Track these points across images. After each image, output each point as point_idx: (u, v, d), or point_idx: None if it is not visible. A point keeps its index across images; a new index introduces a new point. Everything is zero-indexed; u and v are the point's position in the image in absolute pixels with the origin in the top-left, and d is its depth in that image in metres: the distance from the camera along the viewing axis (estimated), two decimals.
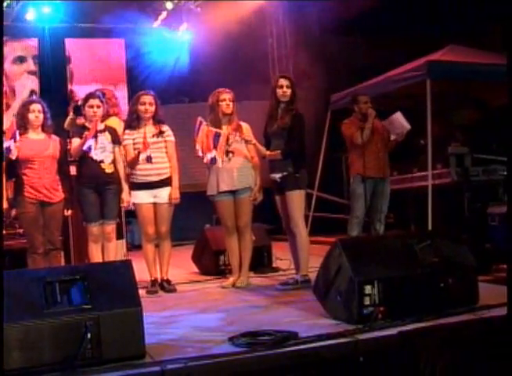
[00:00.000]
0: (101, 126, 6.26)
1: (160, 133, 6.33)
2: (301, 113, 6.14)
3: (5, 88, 10.03)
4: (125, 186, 6.32)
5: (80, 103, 6.63)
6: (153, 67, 11.92)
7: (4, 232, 7.68)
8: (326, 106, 10.58)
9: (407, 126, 7.17)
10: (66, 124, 6.89)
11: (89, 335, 3.52)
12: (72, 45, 12.00)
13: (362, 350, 3.77)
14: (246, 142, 6.21)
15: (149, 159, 6.18)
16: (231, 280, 6.40)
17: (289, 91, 6.14)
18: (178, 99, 12.28)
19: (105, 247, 6.30)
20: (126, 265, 3.94)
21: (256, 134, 6.35)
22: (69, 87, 11.72)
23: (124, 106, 7.76)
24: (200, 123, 6.28)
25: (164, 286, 6.36)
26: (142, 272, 6.26)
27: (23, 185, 5.96)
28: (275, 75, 11.96)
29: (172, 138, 6.40)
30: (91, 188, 6.20)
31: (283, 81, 6.18)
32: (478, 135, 8.94)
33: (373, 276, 4.20)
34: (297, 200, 6.07)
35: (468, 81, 8.80)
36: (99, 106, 6.24)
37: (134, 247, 9.80)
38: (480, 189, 8.13)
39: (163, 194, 6.31)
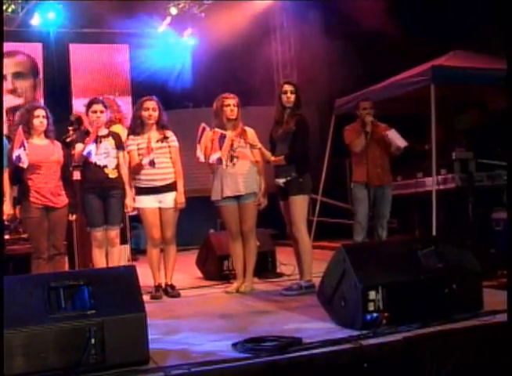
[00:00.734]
0: (104, 131, 6.28)
1: (164, 138, 6.34)
2: (305, 117, 6.15)
3: None
4: (129, 192, 6.33)
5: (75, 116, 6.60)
6: (157, 72, 11.95)
7: (8, 237, 7.70)
8: (331, 110, 10.58)
9: (402, 144, 7.13)
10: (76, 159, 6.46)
11: (93, 340, 3.52)
12: (76, 51, 12.04)
13: (367, 356, 3.76)
14: (252, 146, 6.22)
15: (151, 163, 6.17)
16: (235, 285, 6.40)
17: (293, 96, 6.15)
18: (183, 104, 12.30)
19: (109, 252, 6.30)
20: (130, 271, 3.94)
21: (260, 139, 6.36)
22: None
23: (128, 115, 7.73)
24: (203, 129, 6.29)
25: (168, 291, 6.35)
26: (146, 277, 6.27)
27: (29, 190, 5.96)
28: (279, 80, 12.03)
29: (176, 143, 6.41)
30: (95, 193, 6.20)
31: (287, 87, 6.20)
32: (483, 141, 8.92)
33: (377, 281, 4.19)
34: (300, 205, 6.07)
35: (472, 86, 8.78)
36: (102, 111, 6.25)
37: (139, 252, 9.79)
38: (484, 195, 8.12)
39: (168, 199, 6.32)
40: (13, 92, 11.40)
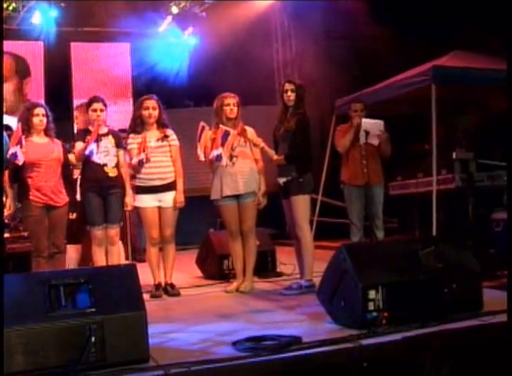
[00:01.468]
0: (104, 130, 6.28)
1: (165, 137, 6.35)
2: (306, 116, 6.15)
3: None
4: (129, 190, 6.33)
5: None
6: (158, 71, 11.95)
7: (8, 235, 7.70)
8: (331, 110, 10.58)
9: (378, 122, 7.13)
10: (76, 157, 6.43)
11: (93, 339, 3.52)
12: (77, 49, 12.03)
13: (366, 355, 3.76)
14: (255, 145, 6.22)
15: (140, 163, 6.17)
16: (235, 284, 6.40)
17: (293, 95, 6.15)
18: (183, 103, 12.30)
19: (109, 250, 6.31)
20: (130, 269, 3.95)
21: (261, 138, 6.34)
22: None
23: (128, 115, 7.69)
24: (203, 128, 6.29)
25: (167, 290, 6.36)
26: (146, 275, 6.28)
27: (29, 188, 5.96)
28: (280, 80, 12.04)
29: (177, 142, 6.41)
30: (95, 192, 6.20)
31: (288, 86, 6.20)
32: (483, 141, 8.92)
33: (378, 281, 4.19)
34: (301, 204, 6.07)
35: (473, 87, 8.77)
36: (102, 110, 6.25)
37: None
38: (484, 195, 8.11)
39: (167, 198, 6.32)
40: None
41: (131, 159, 6.35)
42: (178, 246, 6.59)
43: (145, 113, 6.34)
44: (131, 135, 6.38)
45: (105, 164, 6.22)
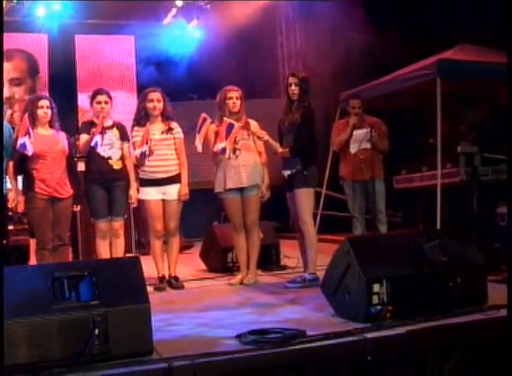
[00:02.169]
0: (109, 122, 6.27)
1: (169, 130, 6.34)
2: (311, 109, 6.13)
3: None
4: (133, 183, 6.33)
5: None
6: (162, 64, 11.93)
7: (12, 227, 7.71)
8: (336, 103, 10.55)
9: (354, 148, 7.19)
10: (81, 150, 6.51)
11: (97, 331, 3.51)
12: (81, 42, 12.02)
13: (370, 349, 3.76)
14: (259, 138, 6.20)
15: (143, 155, 6.16)
16: (239, 277, 6.40)
17: (297, 89, 6.13)
18: (187, 96, 12.29)
19: (113, 243, 6.31)
20: (134, 262, 3.94)
21: (266, 131, 6.32)
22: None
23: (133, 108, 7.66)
24: (204, 119, 6.28)
25: (171, 283, 6.36)
26: (150, 268, 6.28)
27: (34, 180, 5.96)
28: (284, 73, 12.01)
29: (181, 134, 6.40)
30: (100, 184, 6.20)
31: (291, 79, 6.19)
32: (488, 135, 8.89)
33: (382, 274, 4.18)
34: (304, 198, 6.06)
35: (478, 80, 8.74)
36: (106, 102, 6.25)
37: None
38: (489, 189, 8.09)
39: (171, 191, 6.31)
40: (8, 100, 11.20)
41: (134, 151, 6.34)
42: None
43: (149, 105, 6.33)
44: (136, 128, 6.37)
45: (109, 157, 6.22)
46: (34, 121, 6.00)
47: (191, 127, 6.53)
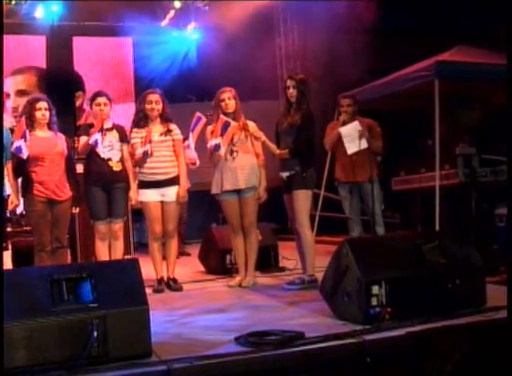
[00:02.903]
0: (108, 124, 6.27)
1: (168, 132, 6.33)
2: (310, 111, 6.12)
3: None
4: (133, 185, 6.33)
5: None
6: (160, 66, 11.93)
7: (10, 229, 7.70)
8: (334, 105, 10.55)
9: (350, 149, 7.11)
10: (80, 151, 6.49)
11: (96, 333, 3.51)
12: (79, 44, 12.02)
13: (369, 351, 3.76)
14: (256, 139, 6.20)
15: (145, 154, 6.15)
16: (237, 279, 6.39)
17: (295, 91, 6.12)
18: (186, 97, 12.28)
19: (112, 245, 6.31)
20: (133, 264, 3.93)
21: (263, 133, 6.32)
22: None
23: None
24: (199, 118, 6.29)
25: (170, 284, 6.35)
26: (148, 270, 6.27)
27: (32, 183, 5.96)
28: (283, 75, 12.02)
29: (180, 136, 6.40)
30: (99, 186, 6.20)
31: (289, 82, 6.18)
32: (486, 136, 8.91)
33: (381, 276, 4.18)
34: (302, 199, 6.06)
35: (477, 82, 8.76)
36: (106, 104, 6.25)
37: (141, 245, 9.79)
38: (487, 190, 8.11)
39: (170, 193, 6.31)
40: (15, 110, 11.20)
41: (134, 153, 6.33)
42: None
43: (148, 107, 6.33)
44: (135, 130, 6.37)
45: (109, 159, 6.22)
46: (32, 123, 6.00)
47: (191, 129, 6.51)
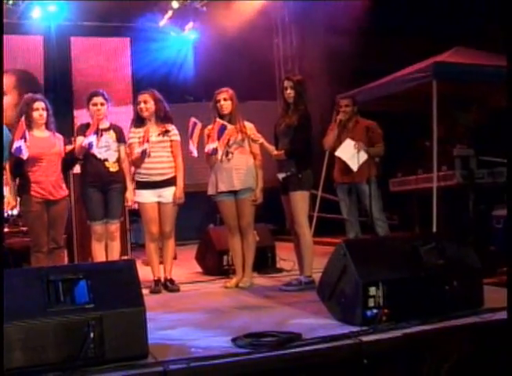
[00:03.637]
0: (105, 124, 6.26)
1: (166, 132, 6.31)
2: (308, 113, 6.12)
3: None
4: (130, 185, 6.32)
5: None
6: (158, 66, 11.91)
7: (7, 230, 7.68)
8: (332, 106, 10.55)
9: (353, 165, 7.16)
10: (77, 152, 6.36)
11: (92, 335, 3.50)
12: (77, 44, 12.00)
13: (366, 352, 3.75)
14: (253, 141, 6.19)
15: (144, 153, 6.13)
16: (234, 280, 6.39)
17: (292, 92, 6.11)
18: (183, 98, 12.27)
19: (109, 246, 6.29)
20: (130, 265, 3.93)
21: (261, 134, 6.31)
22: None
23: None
24: (194, 124, 6.27)
25: (167, 285, 6.34)
26: (145, 271, 6.27)
27: (29, 183, 5.95)
28: (280, 75, 12.02)
29: (178, 137, 6.38)
30: (96, 187, 6.18)
31: (287, 83, 6.18)
32: (484, 138, 8.91)
33: (378, 277, 4.18)
34: (299, 201, 6.05)
35: (474, 83, 8.76)
36: (102, 104, 6.23)
37: (138, 246, 9.79)
38: (485, 192, 8.12)
39: (167, 194, 6.30)
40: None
41: (131, 153, 6.32)
42: (177, 241, 6.57)
43: (138, 107, 6.32)
44: (132, 129, 6.37)
45: (106, 159, 6.20)
46: (29, 123, 5.98)
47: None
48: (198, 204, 9.71)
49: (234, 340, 3.90)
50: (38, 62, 11.66)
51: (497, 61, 8.45)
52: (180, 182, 6.33)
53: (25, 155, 5.79)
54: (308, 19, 11.71)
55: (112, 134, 6.27)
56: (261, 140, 6.16)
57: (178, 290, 6.31)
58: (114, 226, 6.29)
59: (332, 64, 10.87)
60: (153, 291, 6.21)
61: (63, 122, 6.48)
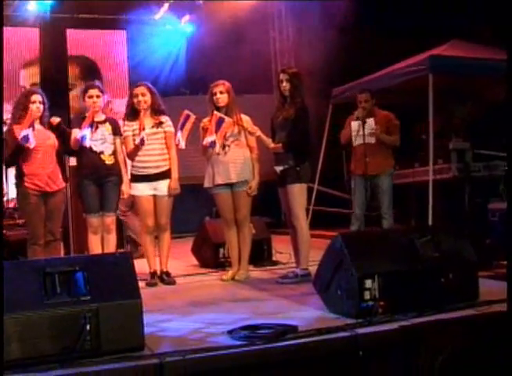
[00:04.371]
0: (101, 117, 6.25)
1: (160, 124, 6.30)
2: (305, 106, 6.11)
3: None
4: (125, 178, 6.31)
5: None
6: (154, 59, 11.91)
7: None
8: (328, 99, 10.57)
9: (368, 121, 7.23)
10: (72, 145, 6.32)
11: (88, 327, 3.50)
12: (73, 36, 11.98)
13: (362, 344, 3.76)
14: (250, 134, 6.19)
15: (142, 141, 6.12)
16: (230, 272, 6.39)
17: (288, 85, 6.11)
18: (179, 91, 12.26)
19: (105, 238, 6.28)
20: (126, 257, 3.93)
21: (258, 127, 6.31)
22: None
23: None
24: (187, 116, 6.26)
25: (163, 278, 6.34)
26: (142, 264, 6.26)
27: (26, 175, 5.95)
28: (277, 69, 12.01)
29: (172, 128, 6.36)
30: (92, 180, 6.17)
31: (282, 76, 6.19)
32: (480, 131, 8.92)
33: (374, 270, 4.18)
34: (297, 193, 6.05)
35: (470, 76, 8.77)
36: (98, 96, 6.22)
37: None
38: (481, 185, 8.13)
39: (162, 186, 6.29)
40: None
41: (126, 146, 6.32)
42: (174, 234, 6.57)
43: (135, 100, 6.30)
44: (126, 123, 6.36)
45: (101, 152, 6.19)
46: (25, 114, 5.97)
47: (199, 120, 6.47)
48: (194, 197, 9.71)
49: (230, 332, 3.91)
50: (34, 54, 11.64)
51: (493, 54, 8.46)
52: (174, 173, 6.32)
53: (32, 144, 5.79)
54: (305, 14, 11.69)
55: (108, 126, 6.26)
56: (258, 133, 6.16)
57: (174, 283, 6.31)
58: (110, 219, 6.28)
59: (328, 58, 10.85)
60: (149, 284, 6.21)
61: (58, 115, 6.44)
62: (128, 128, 6.31)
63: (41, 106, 6.06)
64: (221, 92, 6.26)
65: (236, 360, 3.58)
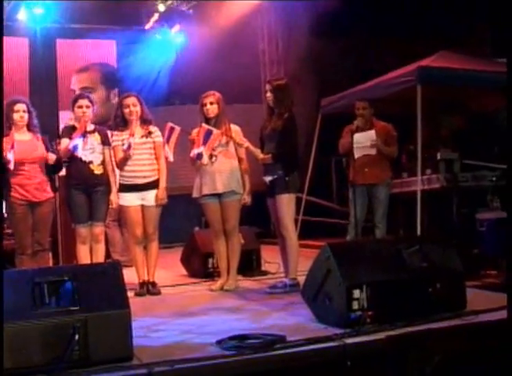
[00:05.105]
0: (90, 127, 6.26)
1: (149, 134, 6.31)
2: (293, 116, 6.12)
3: None
4: (114, 188, 6.32)
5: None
6: (144, 69, 11.92)
7: None
8: (317, 110, 10.60)
9: (369, 133, 7.23)
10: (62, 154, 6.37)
11: (77, 337, 3.50)
12: (63, 46, 11.98)
13: (350, 354, 3.77)
14: (239, 145, 6.21)
15: (129, 148, 6.12)
16: (219, 283, 6.39)
17: (271, 96, 6.14)
18: (169, 100, 12.28)
19: (93, 248, 6.28)
20: (115, 267, 3.93)
21: (247, 137, 6.33)
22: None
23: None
24: (172, 129, 6.29)
25: (148, 288, 6.32)
26: (131, 274, 6.26)
27: (13, 186, 5.94)
28: (266, 79, 12.05)
29: (160, 138, 6.38)
30: (80, 189, 6.18)
31: (267, 86, 6.24)
32: (468, 141, 8.97)
33: (362, 280, 4.20)
34: (286, 203, 6.07)
35: (459, 88, 8.82)
36: (88, 107, 6.24)
37: None
38: (468, 195, 8.15)
39: (150, 197, 6.29)
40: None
41: (115, 156, 6.33)
42: (163, 244, 6.57)
43: (126, 111, 6.31)
44: (115, 133, 6.37)
45: (90, 162, 6.20)
46: (10, 125, 5.97)
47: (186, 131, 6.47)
48: (184, 207, 9.72)
49: (219, 342, 3.91)
50: (23, 64, 11.62)
51: (482, 66, 8.52)
52: (162, 183, 6.33)
53: (12, 165, 5.79)
54: (294, 24, 11.75)
55: (97, 136, 6.27)
56: (247, 144, 6.17)
57: (158, 293, 6.29)
58: (99, 229, 6.28)
59: (317, 69, 10.91)
60: (138, 294, 6.21)
61: (47, 124, 6.45)
62: (117, 137, 6.31)
63: (26, 115, 6.06)
64: (211, 103, 6.28)
65: (224, 370, 3.58)
